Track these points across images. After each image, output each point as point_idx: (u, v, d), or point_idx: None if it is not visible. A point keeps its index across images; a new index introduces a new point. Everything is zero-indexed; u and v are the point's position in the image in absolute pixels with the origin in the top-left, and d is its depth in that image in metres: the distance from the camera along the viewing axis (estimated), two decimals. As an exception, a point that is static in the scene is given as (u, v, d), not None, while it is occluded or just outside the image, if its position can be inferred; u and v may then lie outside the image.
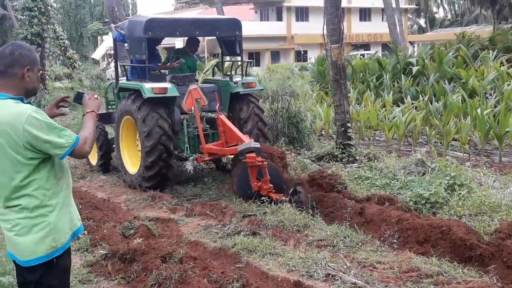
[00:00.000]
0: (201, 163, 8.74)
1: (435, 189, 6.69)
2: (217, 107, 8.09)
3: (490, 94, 12.70)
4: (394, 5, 33.95)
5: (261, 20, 52.16)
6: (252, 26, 47.72)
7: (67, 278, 3.19)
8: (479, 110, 10.19)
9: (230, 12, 52.59)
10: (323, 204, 7.03)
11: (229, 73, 9.40)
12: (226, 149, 7.92)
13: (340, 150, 9.65)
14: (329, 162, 9.57)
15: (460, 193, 6.73)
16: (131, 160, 8.73)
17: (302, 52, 48.34)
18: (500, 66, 15.28)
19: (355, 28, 53.12)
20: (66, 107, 3.40)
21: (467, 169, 7.89)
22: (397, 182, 7.63)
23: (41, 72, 20.88)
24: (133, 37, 8.50)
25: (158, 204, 7.61)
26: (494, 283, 4.55)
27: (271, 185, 7.18)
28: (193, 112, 8.27)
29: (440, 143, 10.61)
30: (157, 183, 8.18)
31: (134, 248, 5.07)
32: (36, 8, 20.88)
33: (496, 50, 18.05)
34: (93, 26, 53.63)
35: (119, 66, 9.97)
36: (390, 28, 24.86)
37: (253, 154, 7.10)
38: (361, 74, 17.43)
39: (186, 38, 10.31)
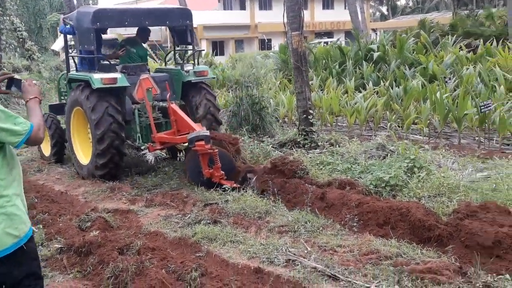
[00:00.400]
0: (162, 153, 8.60)
1: (395, 172, 6.74)
2: (167, 96, 8.12)
3: (449, 78, 12.88)
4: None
5: (224, 9, 51.71)
6: (215, 15, 47.40)
7: (38, 264, 3.15)
8: (438, 94, 10.32)
9: (193, 1, 52.21)
10: (285, 191, 7.00)
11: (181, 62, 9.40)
12: (177, 137, 7.95)
13: (303, 136, 9.64)
14: (292, 149, 9.55)
15: (419, 176, 6.79)
16: (84, 151, 8.66)
17: (266, 41, 48.20)
18: (460, 51, 15.52)
19: (318, 16, 53.24)
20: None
21: (426, 152, 7.98)
22: (358, 167, 7.66)
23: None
24: (82, 28, 8.42)
25: (117, 195, 7.46)
26: (452, 262, 4.58)
27: (223, 172, 7.28)
28: (144, 101, 8.27)
29: (401, 127, 10.71)
30: (109, 171, 8.16)
31: (90, 241, 4.93)
32: (-10, -1, 20.26)
33: (455, 36, 18.36)
34: (52, 17, 52.29)
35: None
36: (351, 16, 24.97)
37: (202, 142, 7.20)
38: (324, 61, 17.45)
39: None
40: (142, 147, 8.38)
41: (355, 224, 5.76)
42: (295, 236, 5.54)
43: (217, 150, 7.28)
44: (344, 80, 15.01)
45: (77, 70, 9.08)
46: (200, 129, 7.57)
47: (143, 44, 9.66)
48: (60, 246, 5.16)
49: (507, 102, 10.23)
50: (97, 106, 7.92)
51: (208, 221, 5.97)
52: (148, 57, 9.97)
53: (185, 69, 8.86)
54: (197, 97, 8.94)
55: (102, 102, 7.94)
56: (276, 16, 45.25)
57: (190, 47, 9.52)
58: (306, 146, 9.52)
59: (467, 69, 13.18)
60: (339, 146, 9.12)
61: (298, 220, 5.89)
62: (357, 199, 6.22)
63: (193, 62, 9.27)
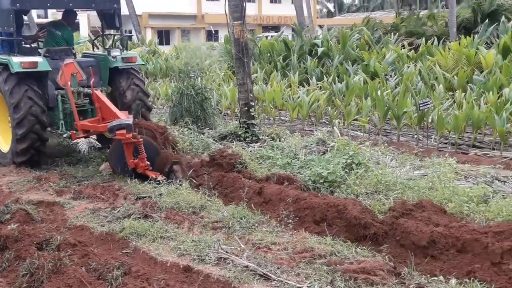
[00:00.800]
0: (96, 143, 8.18)
1: (333, 168, 6.63)
2: (91, 82, 7.83)
3: (390, 76, 12.99)
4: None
5: (171, -3, 50.85)
6: (162, 3, 46.46)
7: None
8: (379, 91, 10.35)
9: (139, -12, 50.95)
10: (222, 185, 6.81)
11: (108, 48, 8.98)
12: (100, 125, 7.61)
13: (244, 129, 9.45)
14: (233, 142, 9.33)
15: (357, 172, 6.72)
16: (4, 138, 8.25)
17: (214, 32, 47.70)
18: (401, 49, 15.73)
19: (265, 10, 53.16)
20: None
21: (365, 148, 7.94)
22: (297, 162, 7.53)
23: None
24: (2, 9, 8.00)
25: (44, 186, 7.04)
26: (387, 262, 4.50)
27: (148, 163, 7.02)
28: (70, 87, 7.89)
29: (343, 123, 10.69)
30: (31, 157, 7.81)
31: (6, 235, 4.55)
32: None
33: (398, 35, 18.64)
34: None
35: None
36: (296, 10, 24.97)
37: (123, 131, 6.88)
38: (268, 54, 17.30)
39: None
40: (64, 135, 8.05)
41: (290, 221, 5.61)
42: (229, 232, 5.34)
43: (142, 139, 7.00)
44: (288, 74, 14.93)
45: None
46: (125, 117, 7.25)
47: (69, 28, 9.14)
48: (-28, 240, 4.73)
49: (445, 101, 10.37)
50: (16, 89, 7.56)
51: (138, 216, 5.67)
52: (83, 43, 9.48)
53: (112, 54, 8.46)
54: (124, 83, 8.58)
55: (21, 85, 7.58)
56: (221, 8, 44.87)
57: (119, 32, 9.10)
58: (247, 139, 9.33)
59: (408, 67, 13.34)
60: (280, 140, 8.96)
61: (233, 215, 5.69)
62: (294, 195, 6.08)
63: (120, 47, 8.92)
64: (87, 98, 8.22)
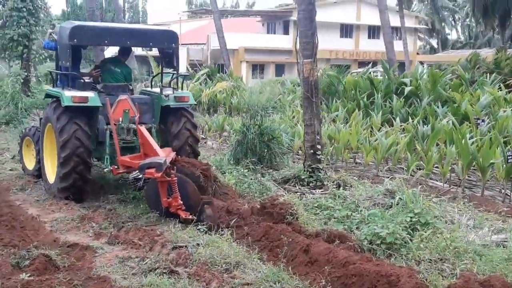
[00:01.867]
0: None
1: (394, 228, 5.78)
2: (136, 118, 7.96)
3: (483, 120, 11.75)
4: (400, 24, 33.26)
5: (268, 32, 51.40)
6: (258, 38, 47.10)
7: None
8: (468, 136, 9.30)
9: (237, 23, 52.17)
10: (268, 237, 6.18)
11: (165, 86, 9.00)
12: (137, 162, 7.33)
13: (308, 173, 8.78)
14: (295, 186, 8.74)
15: (422, 234, 5.81)
16: (53, 170, 8.23)
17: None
18: (499, 91, 14.36)
19: (363, 45, 52.28)
20: None
21: (440, 204, 6.99)
22: (358, 215, 6.73)
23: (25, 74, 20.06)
24: (61, 43, 8.25)
25: (86, 226, 6.76)
26: None
27: (181, 203, 6.84)
28: (121, 123, 8.01)
29: (422, 170, 9.69)
30: (73, 183, 7.78)
31: (7, 288, 4.20)
32: (25, 9, 20.22)
33: (500, 74, 17.16)
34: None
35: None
36: (386, 46, 24.00)
37: (152, 170, 6.72)
38: (353, 92, 16.52)
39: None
40: (106, 169, 8.08)
41: (333, 290, 4.85)
42: (258, 299, 4.68)
43: (176, 178, 6.84)
44: (371, 114, 14.07)
45: (53, 86, 8.96)
46: (164, 155, 7.08)
47: (127, 65, 9.32)
48: (-23, 290, 4.45)
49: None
50: (65, 128, 7.62)
51: (164, 270, 5.15)
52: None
53: (164, 93, 8.43)
54: (175, 124, 8.51)
55: (71, 124, 7.63)
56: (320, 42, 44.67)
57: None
58: (310, 184, 8.66)
59: (504, 111, 12.04)
60: (345, 188, 8.21)
61: (268, 278, 5.03)
62: (344, 257, 5.34)
63: (176, 87, 8.92)
64: (135, 134, 8.12)
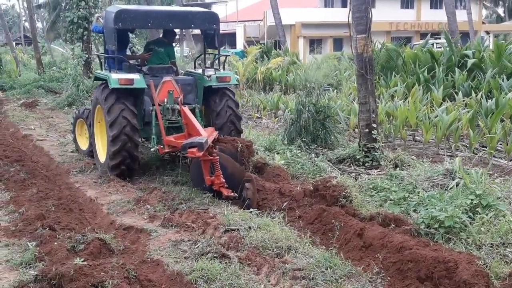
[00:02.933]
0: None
1: (453, 211, 5.53)
2: (179, 99, 8.13)
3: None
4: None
5: (325, 6, 50.38)
6: (315, 12, 46.25)
7: None
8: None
9: (293, -1, 51.36)
10: (321, 220, 6.07)
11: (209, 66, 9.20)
12: (181, 142, 7.52)
13: (363, 153, 8.55)
14: (350, 166, 8.54)
15: (483, 217, 5.53)
16: (103, 148, 8.64)
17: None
18: None
19: (425, 16, 50.36)
20: None
21: (502, 184, 6.63)
22: (415, 197, 6.48)
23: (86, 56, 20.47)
24: (107, 27, 8.54)
25: (141, 208, 6.85)
26: None
27: (223, 181, 7.04)
28: (166, 103, 8.27)
29: (486, 147, 9.25)
30: (121, 173, 8.19)
31: (61, 273, 4.29)
32: (83, -8, 20.65)
33: None
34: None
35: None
36: (448, 17, 22.98)
37: (194, 149, 6.90)
38: (412, 66, 15.93)
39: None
40: (152, 149, 8.40)
41: (388, 277, 4.69)
42: (309, 285, 4.60)
43: (218, 157, 7.05)
44: (432, 88, 13.54)
45: (100, 69, 9.41)
46: (206, 135, 7.33)
47: (170, 45, 9.73)
48: (35, 273, 4.57)
49: None
50: (113, 108, 7.94)
51: (215, 255, 5.14)
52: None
53: (206, 74, 8.66)
54: (218, 103, 8.75)
55: (118, 104, 7.96)
56: (378, 15, 43.22)
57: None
58: (366, 164, 8.44)
59: None
60: (403, 168, 7.94)
61: (319, 263, 4.92)
62: (399, 242, 5.17)
63: (217, 67, 9.11)
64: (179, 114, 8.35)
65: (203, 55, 9.84)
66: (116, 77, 7.94)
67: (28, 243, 5.47)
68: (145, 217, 6.58)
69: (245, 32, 46.84)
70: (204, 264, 4.89)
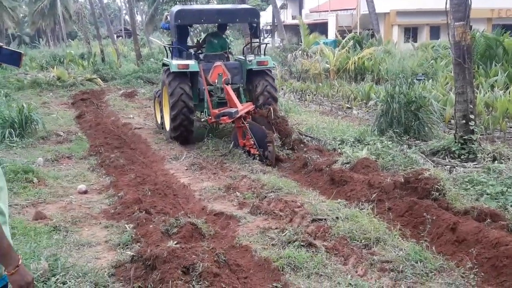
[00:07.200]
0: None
1: (555, 208, 5.20)
2: (223, 80, 9.93)
3: None
4: None
5: (423, -8, 48.50)
6: (411, 0, 44.68)
7: None
8: None
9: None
10: (412, 213, 5.92)
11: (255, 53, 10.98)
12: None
13: (459, 145, 8.21)
14: (445, 159, 8.24)
15: None
16: (168, 120, 10.54)
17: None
18: None
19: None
20: None
21: None
22: (515, 192, 6.16)
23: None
24: (171, 24, 10.64)
25: (231, 195, 7.04)
26: None
27: (252, 143, 8.85)
28: (217, 84, 9.96)
29: None
30: (181, 133, 10.11)
31: (156, 255, 4.51)
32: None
33: None
34: (252, 1, 54.18)
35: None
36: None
37: (225, 118, 9.09)
38: (514, 54, 15.03)
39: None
40: (202, 119, 11.08)
41: (482, 273, 4.51)
42: (397, 278, 4.52)
43: (247, 124, 8.92)
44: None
45: (167, 57, 11.57)
46: (240, 108, 9.12)
47: (224, 36, 11.79)
48: (131, 254, 4.84)
49: None
50: (172, 83, 9.91)
51: (302, 243, 5.18)
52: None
53: (247, 59, 10.42)
54: (257, 80, 10.44)
55: (176, 80, 9.93)
56: (477, 1, 41.00)
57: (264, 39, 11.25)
58: (461, 156, 8.10)
59: None
60: (501, 161, 7.55)
61: (409, 256, 4.82)
62: (495, 237, 4.93)
63: (258, 53, 10.93)
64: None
65: (249, 44, 11.45)
66: (175, 63, 10.00)
67: (126, 225, 5.79)
68: (234, 204, 6.75)
69: (337, 21, 46.13)
70: (291, 252, 4.96)
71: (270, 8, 45.74)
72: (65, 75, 20.92)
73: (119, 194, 6.95)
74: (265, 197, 6.91)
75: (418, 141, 9.18)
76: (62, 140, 10.70)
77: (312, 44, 24.27)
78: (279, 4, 47.29)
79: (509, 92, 11.34)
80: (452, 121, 11.11)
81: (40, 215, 6.12)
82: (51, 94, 18.62)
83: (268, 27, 50.08)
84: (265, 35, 48.23)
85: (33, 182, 7.50)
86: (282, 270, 4.69)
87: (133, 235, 5.46)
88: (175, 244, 4.91)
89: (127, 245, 5.30)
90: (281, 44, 32.59)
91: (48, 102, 16.59)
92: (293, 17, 52.51)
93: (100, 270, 4.70)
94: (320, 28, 47.73)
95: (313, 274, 4.60)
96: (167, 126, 10.56)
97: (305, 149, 8.98)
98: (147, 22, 46.39)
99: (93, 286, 4.42)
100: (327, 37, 41.74)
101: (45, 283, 4.34)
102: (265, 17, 51.29)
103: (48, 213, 6.34)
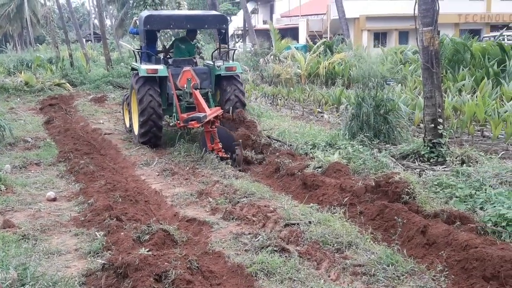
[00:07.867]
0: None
1: (522, 210, 5.32)
2: (192, 84, 10.07)
3: None
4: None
5: (392, -2, 49.22)
6: (380, 4, 45.25)
7: None
8: None
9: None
10: (383, 216, 5.99)
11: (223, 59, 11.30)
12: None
13: (428, 148, 8.33)
14: (414, 162, 8.34)
15: (555, 217, 5.29)
16: (136, 124, 10.60)
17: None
18: None
19: (496, 7, 48.28)
20: None
21: None
22: (482, 194, 6.28)
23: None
24: (140, 29, 10.88)
25: (204, 201, 7.00)
26: None
27: (220, 146, 9.06)
28: (185, 88, 10.16)
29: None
30: (149, 139, 10.22)
31: (127, 263, 4.45)
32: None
33: None
34: (223, 6, 54.19)
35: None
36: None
37: (194, 122, 9.11)
38: (480, 60, 15.36)
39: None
40: (171, 124, 11.30)
41: (452, 275, 4.58)
42: (369, 282, 4.56)
43: (215, 129, 9.10)
44: (501, 82, 13.03)
45: (136, 61, 11.69)
46: (209, 112, 9.17)
47: (191, 42, 11.70)
48: (102, 262, 4.76)
49: None
50: (141, 89, 10.03)
51: (275, 248, 5.18)
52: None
53: (216, 64, 10.71)
54: (226, 85, 10.69)
55: (145, 86, 10.04)
56: (447, 6, 41.75)
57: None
58: (431, 160, 8.22)
59: None
60: (470, 165, 7.69)
61: (381, 260, 4.87)
62: (464, 240, 5.01)
63: (225, 59, 11.20)
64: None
65: (218, 50, 11.77)
66: (144, 68, 10.15)
67: (96, 233, 5.71)
68: (207, 210, 6.72)
69: (308, 26, 46.46)
70: (264, 257, 4.95)
71: (241, 13, 45.76)
72: (33, 80, 20.57)
73: (89, 201, 6.85)
74: (238, 202, 6.90)
75: (388, 145, 9.29)
76: (30, 146, 10.52)
77: (284, 49, 24.38)
78: (250, 8, 47.44)
79: (476, 96, 11.59)
80: (421, 125, 11.30)
81: (8, 224, 5.99)
82: (18, 99, 18.30)
83: (239, 32, 50.12)
84: (237, 40, 48.32)
85: (1, 190, 7.35)
86: (256, 276, 4.68)
87: (104, 243, 5.39)
88: (147, 251, 4.85)
89: (97, 253, 5.23)
90: (252, 48, 32.67)
91: (16, 108, 16.31)
92: (264, 22, 52.79)
93: (71, 279, 4.62)
94: (291, 33, 47.99)
95: (287, 279, 4.61)
96: (136, 130, 10.64)
97: (277, 153, 8.99)
98: (117, 26, 46.05)
99: (63, 295, 4.34)
100: (298, 42, 42.01)
101: (14, 294, 4.25)
102: (236, 22, 51.51)
103: (16, 221, 6.21)
